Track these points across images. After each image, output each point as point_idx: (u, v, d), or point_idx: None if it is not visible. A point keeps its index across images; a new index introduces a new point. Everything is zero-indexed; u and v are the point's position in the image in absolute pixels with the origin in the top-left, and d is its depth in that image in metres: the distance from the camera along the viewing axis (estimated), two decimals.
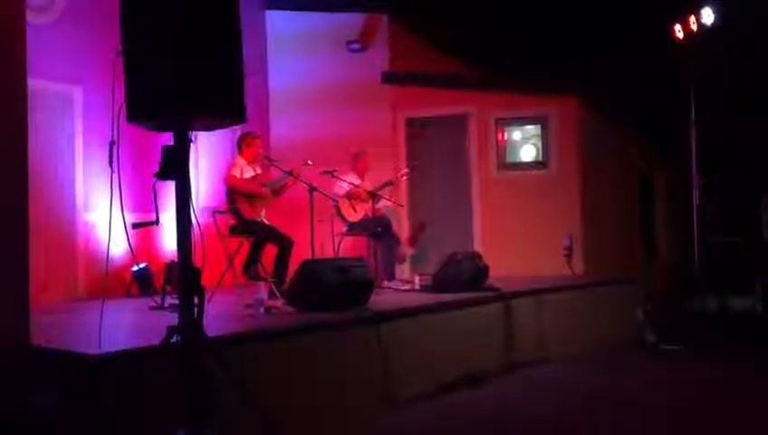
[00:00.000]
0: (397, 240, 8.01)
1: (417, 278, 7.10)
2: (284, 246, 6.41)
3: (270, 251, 6.54)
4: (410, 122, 9.47)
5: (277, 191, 6.61)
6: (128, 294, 7.24)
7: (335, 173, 7.12)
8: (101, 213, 7.09)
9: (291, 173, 6.47)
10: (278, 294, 5.88)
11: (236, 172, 6.45)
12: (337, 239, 7.48)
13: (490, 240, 8.90)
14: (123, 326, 4.99)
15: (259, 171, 6.64)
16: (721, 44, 8.63)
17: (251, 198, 6.43)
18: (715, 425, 4.44)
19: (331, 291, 5.03)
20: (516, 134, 9.33)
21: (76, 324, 5.10)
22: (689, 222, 8.36)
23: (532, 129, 9.29)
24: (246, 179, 6.47)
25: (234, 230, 6.44)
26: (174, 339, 2.97)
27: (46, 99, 6.97)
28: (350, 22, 9.50)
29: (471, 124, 9.34)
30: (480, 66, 9.80)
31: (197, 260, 3.05)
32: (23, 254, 3.59)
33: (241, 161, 6.57)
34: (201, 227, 3.17)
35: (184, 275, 2.97)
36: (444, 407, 4.89)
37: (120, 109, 2.91)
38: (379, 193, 7.40)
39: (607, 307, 7.54)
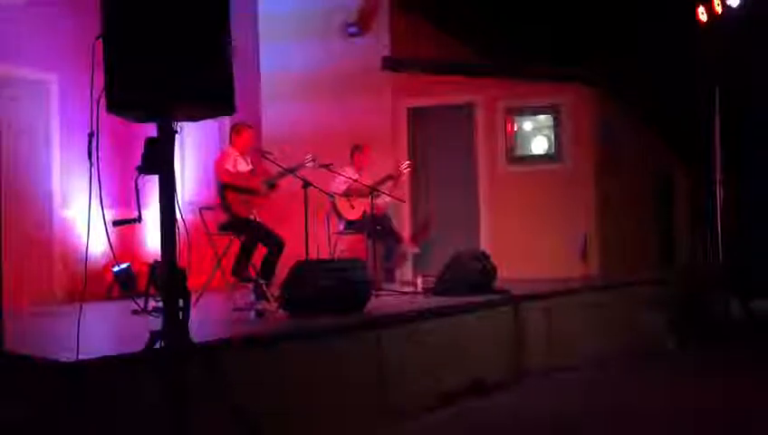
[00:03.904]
0: (397, 239, 8.03)
1: (419, 280, 7.12)
2: (275, 247, 6.42)
3: (259, 250, 6.56)
4: (412, 112, 9.47)
5: (273, 185, 6.63)
6: (108, 297, 7.25)
7: (331, 167, 7.13)
8: (80, 209, 7.09)
9: (293, 171, 6.46)
10: (269, 296, 5.89)
11: (229, 165, 6.47)
12: (333, 238, 7.49)
13: (498, 239, 8.91)
14: (103, 331, 5.00)
15: (250, 166, 6.65)
16: (747, 28, 8.62)
17: (245, 193, 6.43)
18: None
19: (327, 294, 5.04)
20: (527, 125, 9.33)
21: (52, 329, 5.11)
22: (712, 220, 8.37)
23: (543, 119, 9.29)
24: (242, 173, 6.48)
25: (223, 228, 6.45)
26: (158, 345, 2.97)
27: (19, 86, 6.97)
28: (348, 3, 9.50)
29: (478, 114, 9.34)
30: (488, 51, 9.80)
31: (183, 260, 3.06)
32: None
33: (233, 152, 6.58)
34: (187, 224, 3.18)
35: (168, 277, 2.98)
36: (448, 418, 4.90)
37: (99, 97, 2.92)
38: (378, 188, 7.41)
39: (624, 311, 7.55)
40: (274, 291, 5.80)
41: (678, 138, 10.49)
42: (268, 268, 6.41)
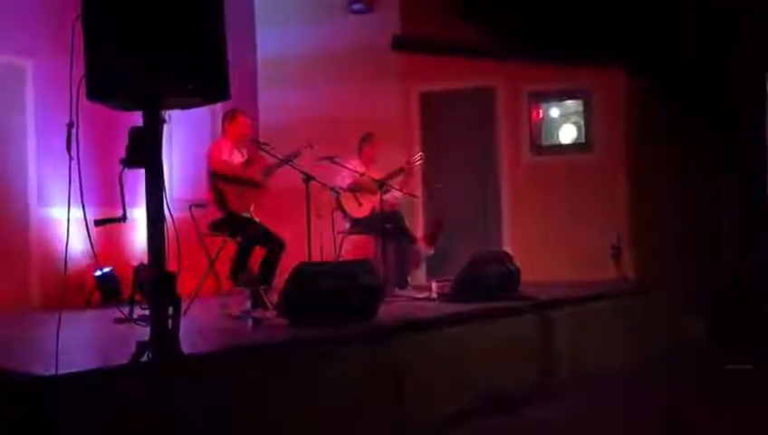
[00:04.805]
0: (410, 239, 8.02)
1: (434, 285, 7.12)
2: (274, 248, 6.44)
3: (257, 252, 6.57)
4: (425, 97, 9.47)
5: (269, 173, 6.64)
6: (89, 304, 7.28)
7: (336, 160, 7.13)
8: (58, 208, 7.12)
9: (289, 161, 6.45)
10: (267, 302, 5.90)
11: (224, 156, 6.48)
12: (338, 238, 7.50)
13: (522, 239, 8.90)
14: (84, 342, 5.02)
15: (245, 158, 6.66)
16: None
17: (241, 185, 6.44)
18: None
19: (332, 300, 5.05)
20: (553, 111, 9.32)
21: (28, 340, 5.13)
22: (760, 215, 8.33)
23: (572, 105, 9.27)
24: (237, 165, 6.48)
25: (216, 227, 6.47)
26: (145, 357, 2.99)
27: None
28: None
29: (499, 100, 9.34)
30: (509, 30, 9.76)
31: (172, 263, 3.07)
32: None
33: (226, 142, 6.60)
34: (176, 223, 3.20)
35: (156, 281, 2.99)
36: None
37: (79, 84, 2.93)
38: (388, 183, 7.41)
39: (661, 317, 7.54)
40: (273, 297, 5.82)
41: (725, 125, 10.45)
42: (267, 271, 6.43)
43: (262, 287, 6.09)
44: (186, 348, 3.10)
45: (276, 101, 9.43)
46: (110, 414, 3.35)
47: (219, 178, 6.41)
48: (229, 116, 6.68)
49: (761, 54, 8.22)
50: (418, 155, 8.18)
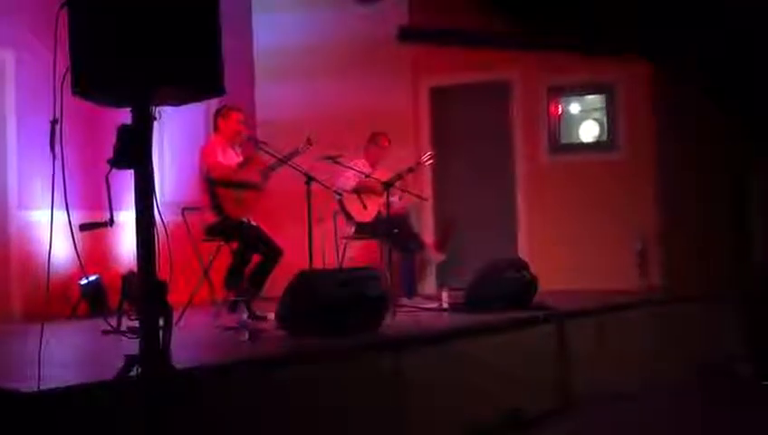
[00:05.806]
0: (419, 245, 8.03)
1: (445, 294, 7.12)
2: (270, 255, 6.44)
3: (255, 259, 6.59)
4: (436, 92, 9.48)
5: (267, 173, 6.64)
6: (74, 315, 7.29)
7: (339, 159, 7.13)
8: (41, 211, 7.14)
9: (287, 160, 6.45)
10: (254, 312, 5.92)
11: (219, 157, 6.48)
12: (342, 244, 7.51)
13: (539, 243, 8.90)
14: (69, 355, 5.03)
15: (240, 158, 6.67)
16: None
17: (240, 189, 6.44)
18: None
19: (335, 310, 5.05)
20: (574, 107, 9.31)
21: (8, 353, 5.15)
22: None
23: (594, 100, 9.26)
24: (235, 165, 6.49)
25: (211, 232, 6.47)
26: (134, 371, 3.00)
27: None
28: None
29: (515, 94, 9.33)
30: (526, 19, 9.76)
31: (163, 271, 3.08)
32: None
33: (219, 142, 6.60)
34: (167, 228, 3.21)
35: (146, 290, 3.00)
36: None
37: (64, 78, 2.94)
38: (396, 185, 7.41)
39: (691, 330, 7.51)
40: (269, 307, 5.82)
41: (759, 124, 10.43)
42: (260, 279, 6.44)
43: (246, 297, 6.12)
44: (177, 362, 3.11)
45: (275, 96, 9.44)
46: (96, 433, 3.36)
47: (215, 182, 6.40)
48: (221, 113, 6.67)
49: None
50: (428, 154, 8.19)
